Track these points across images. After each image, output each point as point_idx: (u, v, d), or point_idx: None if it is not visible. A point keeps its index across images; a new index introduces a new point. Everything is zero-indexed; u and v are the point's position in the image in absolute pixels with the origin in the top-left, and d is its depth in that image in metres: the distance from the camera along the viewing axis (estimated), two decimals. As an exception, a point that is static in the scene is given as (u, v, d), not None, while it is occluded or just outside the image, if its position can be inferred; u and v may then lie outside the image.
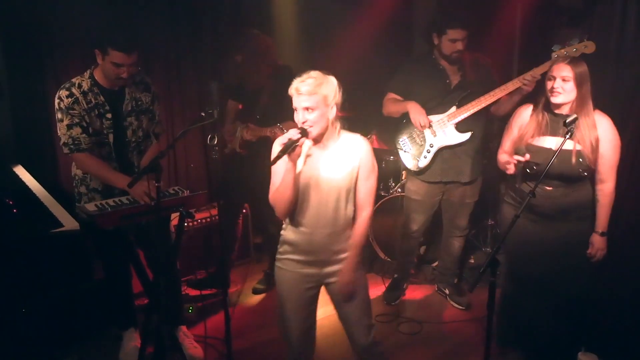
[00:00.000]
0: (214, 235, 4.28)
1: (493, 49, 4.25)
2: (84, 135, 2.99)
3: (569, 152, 2.78)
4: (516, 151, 2.90)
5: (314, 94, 2.34)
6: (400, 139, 3.70)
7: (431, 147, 3.58)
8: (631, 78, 3.33)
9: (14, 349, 2.79)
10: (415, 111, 3.49)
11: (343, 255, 2.54)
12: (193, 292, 4.01)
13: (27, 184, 3.23)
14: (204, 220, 4.28)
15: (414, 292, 4.16)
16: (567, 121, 2.65)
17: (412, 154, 3.66)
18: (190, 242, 4.24)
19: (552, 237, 2.91)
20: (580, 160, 2.78)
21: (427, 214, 3.80)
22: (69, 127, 2.98)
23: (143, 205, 2.91)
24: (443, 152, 3.60)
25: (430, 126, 3.51)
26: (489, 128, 4.53)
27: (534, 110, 2.96)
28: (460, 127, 3.54)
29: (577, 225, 2.91)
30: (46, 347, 3.06)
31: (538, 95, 2.95)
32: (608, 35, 3.45)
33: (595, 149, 2.79)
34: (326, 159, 2.47)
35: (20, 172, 3.41)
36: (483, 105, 3.45)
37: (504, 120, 4.33)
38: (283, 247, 2.60)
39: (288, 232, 2.58)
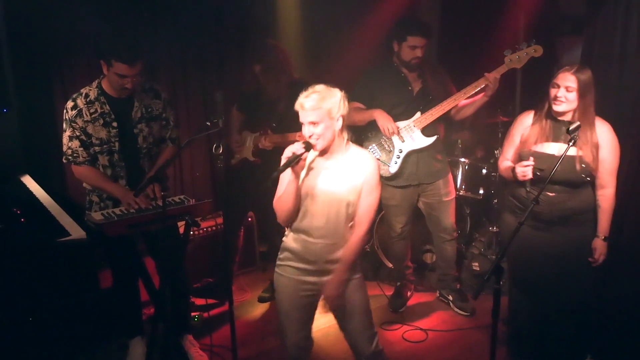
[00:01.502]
0: (218, 244, 4.29)
1: (496, 56, 4.26)
2: (81, 149, 3.06)
3: (573, 158, 2.80)
4: (520, 156, 2.91)
5: (317, 108, 2.38)
6: (370, 147, 3.74)
7: (400, 152, 3.65)
8: (634, 84, 3.33)
9: (20, 358, 2.80)
10: (382, 118, 3.55)
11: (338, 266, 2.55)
12: (199, 302, 4.01)
13: (34, 193, 3.25)
14: (209, 229, 4.30)
15: (420, 299, 4.15)
16: (570, 128, 2.66)
17: (382, 161, 3.71)
18: (196, 250, 4.26)
19: (554, 242, 2.92)
20: (583, 165, 2.80)
21: (407, 214, 3.88)
22: (70, 138, 3.06)
23: (149, 214, 2.93)
24: (410, 157, 3.67)
25: (398, 132, 3.57)
26: (494, 135, 4.56)
27: (536, 116, 2.97)
28: (426, 131, 3.62)
29: (577, 229, 2.92)
30: (52, 356, 3.07)
31: (541, 102, 2.96)
32: (611, 41, 3.46)
33: (596, 155, 2.81)
34: (331, 171, 2.50)
35: (28, 181, 3.43)
36: (447, 109, 3.55)
37: (508, 128, 4.38)
38: (284, 254, 2.63)
39: (289, 239, 2.61)
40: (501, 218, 3.16)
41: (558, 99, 2.81)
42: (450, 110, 3.60)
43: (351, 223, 2.53)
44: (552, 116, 2.89)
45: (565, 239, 2.91)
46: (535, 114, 2.98)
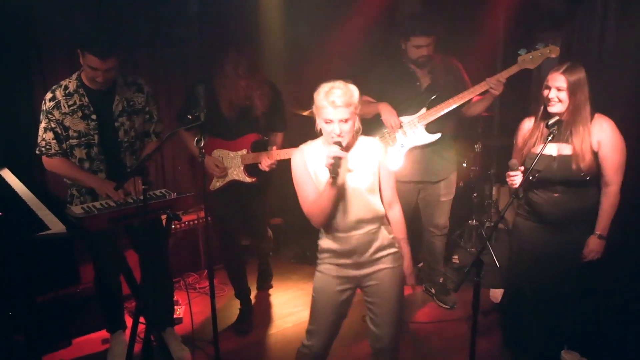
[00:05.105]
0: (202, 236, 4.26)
1: (477, 52, 4.31)
2: (54, 141, 3.04)
3: (568, 157, 2.80)
4: (510, 166, 2.88)
5: (349, 105, 2.35)
6: None
7: (402, 147, 3.64)
8: (612, 81, 3.38)
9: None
10: (386, 112, 3.56)
11: (379, 255, 2.56)
12: (181, 295, 4.01)
13: (13, 187, 3.20)
14: (191, 223, 4.28)
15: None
16: (549, 123, 2.69)
17: None
18: (178, 244, 4.24)
19: (558, 243, 2.93)
20: (580, 164, 2.78)
21: (404, 211, 3.86)
22: (45, 130, 3.04)
23: (130, 207, 2.91)
24: (414, 153, 3.66)
25: (401, 127, 3.59)
26: (474, 130, 4.60)
27: (534, 119, 2.95)
28: (430, 128, 3.61)
29: (580, 229, 2.91)
30: (33, 351, 3.05)
31: (537, 105, 2.95)
32: (589, 38, 3.51)
33: (593, 153, 2.78)
34: (350, 164, 2.49)
35: (7, 175, 3.38)
36: (452, 107, 3.52)
37: (489, 123, 4.42)
38: (322, 255, 2.61)
39: (325, 241, 2.59)
40: (514, 221, 3.14)
41: (551, 100, 2.79)
42: (461, 107, 3.58)
43: (375, 209, 2.53)
44: (548, 117, 2.84)
45: (569, 240, 2.91)
46: (535, 118, 2.96)
